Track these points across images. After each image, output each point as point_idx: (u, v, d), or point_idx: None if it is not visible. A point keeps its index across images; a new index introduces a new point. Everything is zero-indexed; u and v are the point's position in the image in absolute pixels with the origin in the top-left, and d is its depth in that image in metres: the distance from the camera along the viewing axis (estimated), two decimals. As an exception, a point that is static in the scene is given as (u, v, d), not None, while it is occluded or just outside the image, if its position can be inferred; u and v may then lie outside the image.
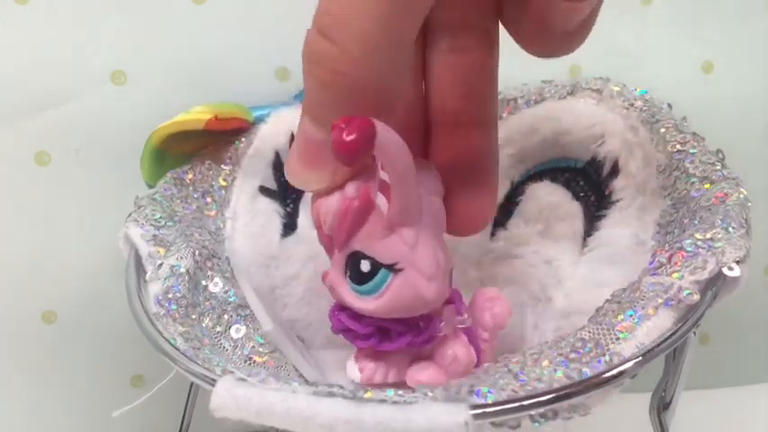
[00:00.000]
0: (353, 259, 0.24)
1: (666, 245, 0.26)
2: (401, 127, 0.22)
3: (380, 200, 0.23)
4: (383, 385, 0.26)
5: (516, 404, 0.20)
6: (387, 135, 0.21)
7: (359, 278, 0.24)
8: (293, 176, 0.24)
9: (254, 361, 0.27)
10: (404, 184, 0.23)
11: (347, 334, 0.26)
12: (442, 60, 0.25)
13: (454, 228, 0.26)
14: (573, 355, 0.22)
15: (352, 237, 0.23)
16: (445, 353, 0.26)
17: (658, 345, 0.21)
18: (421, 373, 0.26)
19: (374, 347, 0.26)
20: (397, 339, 0.25)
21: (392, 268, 0.24)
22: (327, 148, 0.21)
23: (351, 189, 0.23)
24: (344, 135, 0.20)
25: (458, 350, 0.26)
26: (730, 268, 0.23)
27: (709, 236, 0.24)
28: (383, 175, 0.23)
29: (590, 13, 0.23)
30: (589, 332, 0.23)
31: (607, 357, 0.21)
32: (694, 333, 0.23)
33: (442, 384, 0.24)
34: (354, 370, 0.26)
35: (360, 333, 0.25)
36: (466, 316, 0.26)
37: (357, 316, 0.25)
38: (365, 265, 0.24)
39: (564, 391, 0.20)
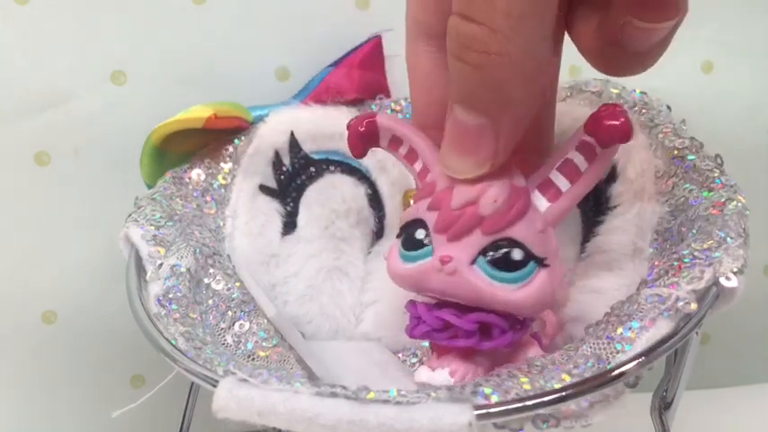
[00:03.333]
0: (502, 246, 0.24)
1: (665, 254, 0.26)
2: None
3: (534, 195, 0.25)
4: None
5: (520, 404, 0.20)
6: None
7: (505, 265, 0.24)
8: (451, 168, 0.24)
9: (258, 355, 0.27)
10: (584, 191, 0.25)
11: (440, 334, 0.25)
12: None
13: None
14: (575, 371, 0.22)
15: (513, 224, 0.24)
16: (526, 356, 0.26)
17: (655, 348, 0.21)
18: None
19: (474, 346, 0.25)
20: (499, 337, 0.25)
21: (542, 262, 0.24)
22: (484, 133, 0.21)
23: (520, 180, 0.24)
24: (615, 119, 0.23)
25: (537, 353, 0.26)
26: (727, 278, 0.23)
27: (706, 246, 0.24)
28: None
29: (666, 34, 0.22)
30: (590, 347, 0.23)
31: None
32: (696, 333, 0.23)
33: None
34: (444, 375, 0.25)
35: (462, 329, 0.25)
36: (539, 321, 0.27)
37: (461, 312, 0.25)
38: (517, 254, 0.24)
39: (568, 391, 0.20)
